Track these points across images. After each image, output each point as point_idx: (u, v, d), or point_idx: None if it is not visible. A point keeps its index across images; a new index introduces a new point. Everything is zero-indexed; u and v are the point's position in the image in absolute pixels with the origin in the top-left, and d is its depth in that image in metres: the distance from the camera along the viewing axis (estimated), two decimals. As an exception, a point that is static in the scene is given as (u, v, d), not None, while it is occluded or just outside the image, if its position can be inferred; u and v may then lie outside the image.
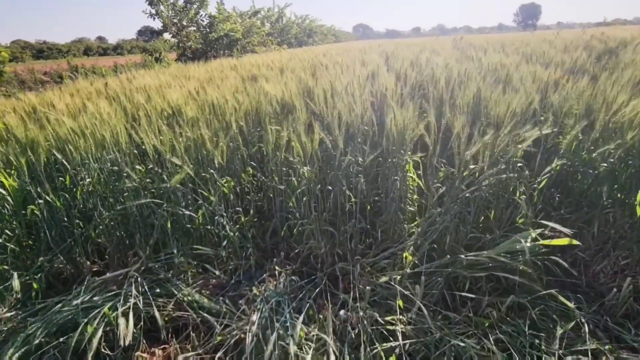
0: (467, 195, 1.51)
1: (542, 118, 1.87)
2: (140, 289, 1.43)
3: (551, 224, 1.29)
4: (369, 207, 1.78)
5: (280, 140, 1.61)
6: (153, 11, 7.42)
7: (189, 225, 1.68)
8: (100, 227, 1.70)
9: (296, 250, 1.78)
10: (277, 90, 2.20)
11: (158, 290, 1.45)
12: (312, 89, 2.37)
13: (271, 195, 1.90)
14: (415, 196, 1.80)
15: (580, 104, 1.71)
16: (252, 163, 2.01)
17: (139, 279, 1.46)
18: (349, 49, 7.04)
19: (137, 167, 1.71)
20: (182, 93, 2.40)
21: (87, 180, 1.63)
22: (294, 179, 1.73)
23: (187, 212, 1.59)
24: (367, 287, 1.35)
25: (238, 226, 1.78)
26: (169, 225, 1.55)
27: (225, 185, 1.67)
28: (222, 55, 7.92)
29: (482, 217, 1.64)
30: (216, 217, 1.65)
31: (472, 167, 1.55)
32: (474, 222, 1.60)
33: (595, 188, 1.65)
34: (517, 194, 1.58)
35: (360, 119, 1.73)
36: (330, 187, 1.70)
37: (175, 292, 1.43)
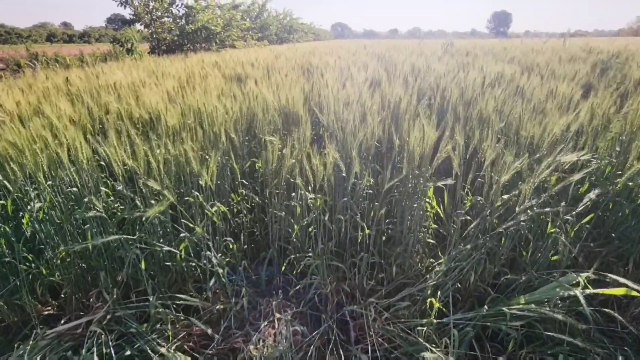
0: (500, 229, 1.31)
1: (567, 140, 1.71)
2: (104, 349, 1.12)
3: (612, 276, 1.10)
4: (383, 237, 1.54)
5: (285, 161, 1.34)
6: (125, -2, 6.86)
7: (167, 263, 1.38)
8: (55, 261, 1.37)
9: (296, 287, 1.52)
10: (272, 95, 1.92)
11: (128, 352, 1.15)
12: (312, 96, 2.11)
13: (266, 219, 1.63)
14: (433, 225, 1.59)
15: (614, 127, 1.56)
16: (244, 181, 1.73)
17: (102, 335, 1.16)
18: (335, 48, 6.80)
19: (103, 188, 1.38)
20: (159, 94, 2.07)
21: (37, 204, 1.29)
22: (296, 204, 1.47)
23: (166, 248, 1.29)
24: None
25: (227, 259, 1.50)
26: (142, 266, 1.25)
27: (215, 212, 1.38)
28: (200, 48, 7.47)
29: (513, 254, 1.45)
30: (202, 253, 1.36)
31: (505, 196, 1.35)
32: (504, 259, 1.40)
33: (631, 221, 1.50)
34: (553, 228, 1.40)
35: (375, 136, 1.48)
36: (340, 217, 1.45)
37: (151, 353, 1.14)
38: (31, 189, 1.32)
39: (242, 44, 9.49)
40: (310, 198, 1.36)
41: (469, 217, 1.40)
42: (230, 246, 1.59)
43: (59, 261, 1.36)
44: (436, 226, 1.60)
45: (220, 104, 1.80)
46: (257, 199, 1.74)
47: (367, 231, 1.43)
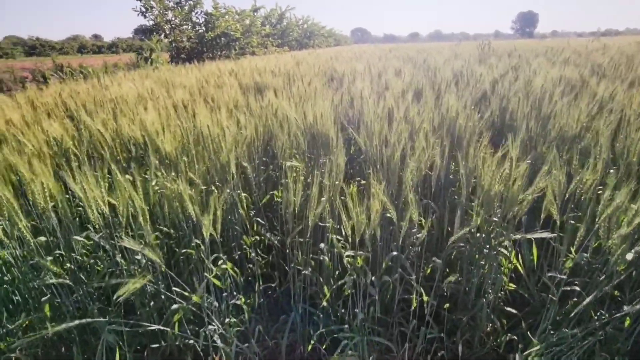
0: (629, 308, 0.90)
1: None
2: None
3: None
4: (447, 304, 1.15)
5: (313, 204, 0.98)
6: (143, 8, 6.77)
7: (155, 345, 1.04)
8: (15, 333, 1.06)
9: (327, 367, 1.15)
10: (294, 109, 1.57)
11: None
12: (341, 109, 1.75)
13: (288, 269, 1.28)
14: (510, 285, 1.18)
15: None
16: (259, 220, 1.38)
17: None
18: (359, 53, 6.44)
19: (78, 238, 1.06)
20: (165, 108, 1.77)
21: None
22: (326, 259, 1.11)
23: (153, 327, 0.95)
24: None
25: (237, 327, 1.15)
26: (117, 350, 0.91)
27: (218, 271, 1.04)
28: (219, 56, 7.29)
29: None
30: (202, 329, 1.02)
31: (630, 256, 0.93)
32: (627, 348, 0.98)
33: None
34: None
35: (433, 166, 1.11)
36: (388, 278, 1.07)
37: None
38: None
39: (262, 51, 9.28)
40: (347, 256, 1.00)
41: (576, 285, 0.99)
42: (241, 304, 1.24)
43: (20, 332, 1.05)
44: (514, 286, 1.19)
45: (233, 121, 1.48)
46: (276, 241, 1.39)
47: (425, 298, 1.04)
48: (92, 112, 1.91)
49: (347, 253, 1.00)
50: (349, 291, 1.06)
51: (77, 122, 1.81)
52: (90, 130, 1.54)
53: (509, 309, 1.14)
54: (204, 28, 7.36)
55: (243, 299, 1.14)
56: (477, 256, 1.08)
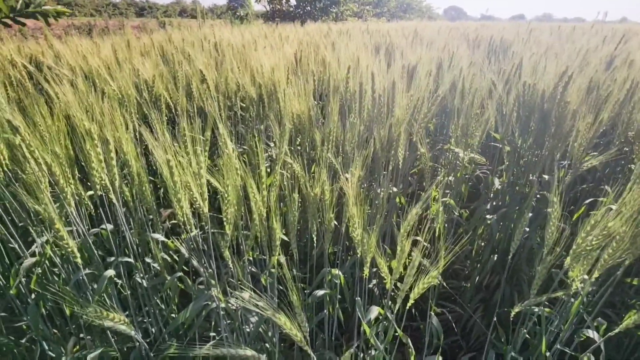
0: None
1: None
2: None
3: None
4: None
5: None
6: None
7: None
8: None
9: None
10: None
11: None
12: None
13: None
14: None
15: None
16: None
17: None
18: (479, 28, 5.43)
19: (158, 236, 0.64)
20: (279, 57, 1.31)
21: (27, 261, 0.60)
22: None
23: None
24: None
25: None
26: None
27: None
28: (316, 20, 6.79)
29: None
30: None
31: None
32: None
33: None
34: None
35: None
36: None
37: None
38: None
39: (354, 20, 8.55)
40: None
41: None
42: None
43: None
44: None
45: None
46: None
47: None
48: (190, 56, 1.53)
49: None
50: None
51: (172, 66, 1.44)
52: (186, 75, 1.13)
53: None
54: (302, -12, 6.89)
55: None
56: None
